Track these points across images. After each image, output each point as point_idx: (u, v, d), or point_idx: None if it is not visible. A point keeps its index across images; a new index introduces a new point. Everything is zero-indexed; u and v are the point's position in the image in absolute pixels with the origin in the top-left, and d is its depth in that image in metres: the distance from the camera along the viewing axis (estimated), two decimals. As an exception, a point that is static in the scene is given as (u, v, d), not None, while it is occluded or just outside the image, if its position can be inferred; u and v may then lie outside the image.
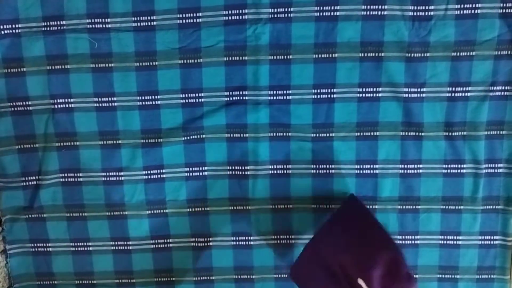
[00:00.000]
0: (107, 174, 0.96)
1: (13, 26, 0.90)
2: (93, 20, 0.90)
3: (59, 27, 0.90)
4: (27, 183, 0.97)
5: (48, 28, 0.91)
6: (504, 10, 0.87)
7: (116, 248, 0.99)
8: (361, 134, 0.93)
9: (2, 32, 0.91)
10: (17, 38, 0.91)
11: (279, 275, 0.98)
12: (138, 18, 0.90)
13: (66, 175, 0.96)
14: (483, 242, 0.97)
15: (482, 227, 0.96)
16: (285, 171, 0.95)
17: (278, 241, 0.97)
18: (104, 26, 0.90)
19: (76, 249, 0.99)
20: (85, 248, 0.99)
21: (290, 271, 0.85)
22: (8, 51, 0.92)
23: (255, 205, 0.96)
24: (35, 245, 0.99)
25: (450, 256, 0.97)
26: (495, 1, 0.87)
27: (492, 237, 0.97)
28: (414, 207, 0.95)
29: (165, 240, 0.98)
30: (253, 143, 0.94)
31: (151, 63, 0.92)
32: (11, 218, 0.98)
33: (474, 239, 0.97)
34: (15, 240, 0.99)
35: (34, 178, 0.96)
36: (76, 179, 0.96)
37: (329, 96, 0.92)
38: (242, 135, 0.94)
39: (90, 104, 0.93)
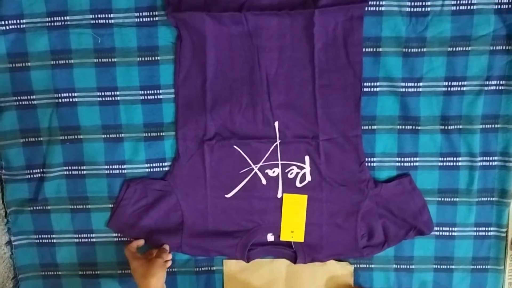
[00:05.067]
0: (110, 167, 0.97)
1: (18, 21, 0.92)
2: (96, 16, 0.91)
3: (63, 23, 0.92)
4: (32, 176, 0.98)
5: (52, 24, 0.92)
6: (499, 6, 0.89)
7: (119, 239, 1.01)
8: (359, 127, 0.95)
9: (7, 28, 0.92)
10: (21, 33, 0.92)
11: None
12: (141, 14, 0.91)
13: (70, 168, 0.98)
14: (478, 234, 0.99)
15: (477, 218, 0.98)
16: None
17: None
18: (107, 21, 0.92)
19: (80, 240, 1.01)
20: (89, 240, 1.01)
21: None
22: (13, 46, 0.93)
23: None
24: (40, 236, 1.01)
25: (445, 247, 0.99)
26: (491, -4, 0.89)
27: (486, 229, 0.99)
28: (410, 199, 0.98)
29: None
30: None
31: (153, 58, 0.93)
32: (16, 210, 1.00)
33: (469, 230, 0.99)
34: (20, 231, 1.01)
35: (38, 171, 0.98)
36: (79, 172, 0.98)
37: (328, 90, 0.94)
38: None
39: (94, 98, 0.95)
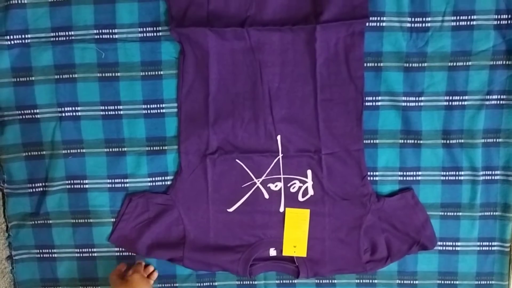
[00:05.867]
0: (113, 181, 0.97)
1: (23, 36, 0.93)
2: (100, 31, 0.93)
3: (67, 38, 0.93)
4: (34, 190, 0.98)
5: (57, 39, 0.93)
6: (498, 22, 0.90)
7: (121, 254, 1.00)
8: (362, 142, 0.95)
9: (12, 42, 0.93)
10: (26, 48, 0.93)
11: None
12: (144, 29, 0.93)
13: (72, 181, 0.98)
14: (481, 248, 0.98)
15: (480, 233, 0.98)
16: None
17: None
18: (111, 36, 0.93)
19: (81, 255, 1.00)
20: (90, 254, 1.00)
21: None
22: (17, 60, 0.94)
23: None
24: (41, 251, 1.00)
25: (449, 262, 0.99)
26: (490, 13, 0.90)
27: (490, 243, 0.98)
28: (413, 213, 0.97)
29: (169, 246, 1.00)
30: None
31: (156, 73, 0.94)
32: (17, 224, 0.99)
33: (472, 245, 0.98)
34: (21, 246, 1.00)
35: (40, 184, 0.98)
36: (82, 186, 0.98)
37: (330, 105, 0.94)
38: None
39: (97, 112, 0.95)
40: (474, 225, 0.97)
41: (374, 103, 0.94)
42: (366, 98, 0.93)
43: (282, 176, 0.95)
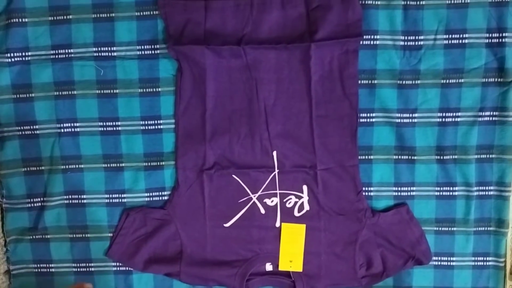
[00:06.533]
0: (110, 196, 0.98)
1: (23, 54, 0.94)
2: (99, 49, 0.94)
3: (67, 55, 0.94)
4: (32, 205, 0.99)
5: (57, 56, 0.95)
6: (490, 40, 0.91)
7: (118, 268, 1.01)
8: (356, 157, 0.96)
9: (12, 60, 0.94)
10: (26, 65, 0.95)
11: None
12: (142, 47, 0.94)
13: (70, 197, 0.99)
14: (476, 263, 0.99)
15: (475, 248, 0.98)
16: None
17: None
18: (110, 54, 0.94)
19: (79, 269, 1.01)
20: (87, 269, 1.01)
21: None
22: (18, 77, 0.95)
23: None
24: (38, 265, 1.01)
25: (444, 277, 0.99)
26: (481, 31, 0.91)
27: (485, 258, 0.99)
28: (408, 228, 0.98)
29: (166, 261, 1.00)
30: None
31: (154, 89, 0.96)
32: (15, 239, 1.00)
33: (467, 260, 0.99)
34: (19, 260, 1.01)
35: (39, 199, 0.99)
36: (80, 201, 0.99)
37: (325, 121, 0.95)
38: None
39: (95, 128, 0.97)
40: (468, 240, 0.98)
41: (368, 120, 0.95)
42: (361, 115, 0.95)
43: (278, 191, 0.96)
